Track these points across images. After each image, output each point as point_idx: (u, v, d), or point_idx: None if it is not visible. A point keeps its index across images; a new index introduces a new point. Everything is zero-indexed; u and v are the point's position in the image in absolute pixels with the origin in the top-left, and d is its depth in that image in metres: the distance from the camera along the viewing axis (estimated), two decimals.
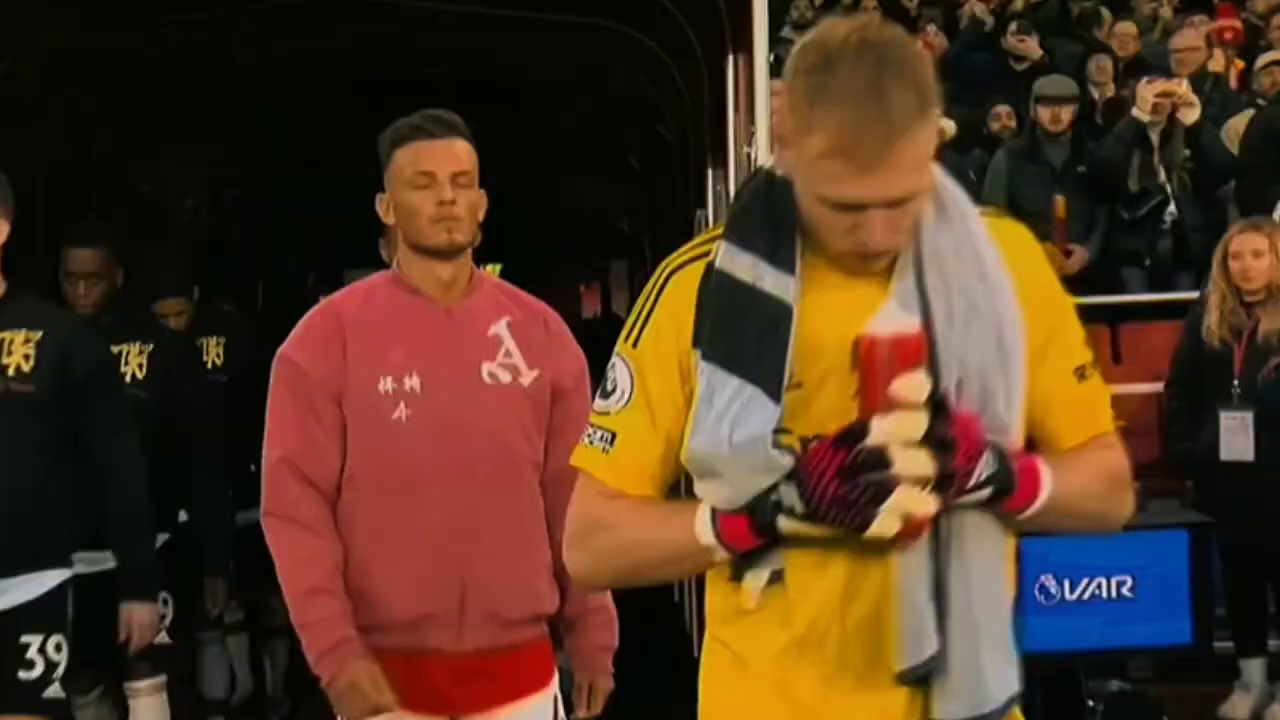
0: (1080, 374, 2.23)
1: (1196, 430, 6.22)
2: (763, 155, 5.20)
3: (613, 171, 11.49)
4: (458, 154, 3.33)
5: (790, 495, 2.05)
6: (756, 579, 2.16)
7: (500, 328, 3.37)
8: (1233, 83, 9.46)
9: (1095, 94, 9.33)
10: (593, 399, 2.31)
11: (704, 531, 2.12)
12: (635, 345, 2.21)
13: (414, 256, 3.36)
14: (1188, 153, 8.04)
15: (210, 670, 6.76)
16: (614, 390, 2.21)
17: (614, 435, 2.20)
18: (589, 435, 2.23)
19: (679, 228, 7.96)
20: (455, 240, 3.31)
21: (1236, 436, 6.07)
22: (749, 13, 5.50)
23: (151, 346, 5.52)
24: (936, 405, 2.01)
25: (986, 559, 2.15)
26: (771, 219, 2.13)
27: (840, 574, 2.15)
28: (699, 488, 2.16)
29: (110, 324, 5.40)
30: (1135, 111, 8.06)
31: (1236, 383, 6.16)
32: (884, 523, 2.00)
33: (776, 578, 2.16)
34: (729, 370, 2.10)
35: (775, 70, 8.66)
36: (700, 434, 2.11)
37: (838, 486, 1.99)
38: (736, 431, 2.08)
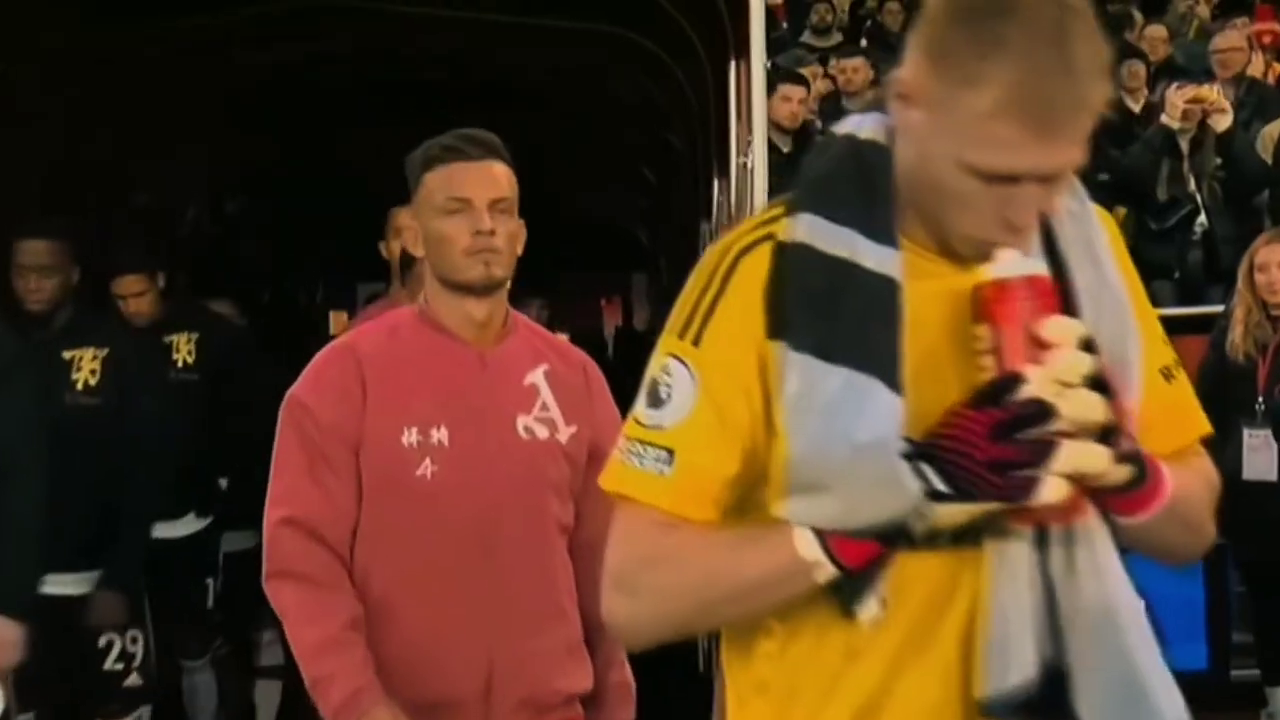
0: (1167, 375, 2.00)
1: (1221, 448, 6.16)
2: (760, 166, 5.18)
3: (627, 181, 11.49)
4: (496, 178, 3.06)
5: (929, 475, 1.75)
6: (868, 609, 1.84)
7: (537, 377, 3.11)
8: (1272, 85, 9.39)
9: (1129, 101, 9.26)
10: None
11: (806, 543, 1.80)
12: (697, 343, 1.87)
13: (444, 292, 3.07)
14: (1219, 161, 7.97)
15: (196, 701, 6.53)
16: (668, 398, 1.87)
17: (672, 453, 1.85)
18: (636, 455, 1.88)
19: (691, 240, 7.95)
20: (493, 275, 3.04)
21: (1259, 455, 5.97)
22: (749, 18, 5.48)
23: (106, 351, 5.23)
24: (1088, 348, 1.76)
25: (1115, 569, 1.85)
26: (865, 189, 1.86)
27: (935, 590, 1.86)
28: (787, 507, 1.83)
29: (64, 326, 5.20)
30: (1164, 118, 7.99)
31: (1260, 399, 6.07)
32: (1054, 486, 1.73)
33: (883, 604, 1.84)
34: (829, 360, 1.80)
35: (784, 77, 8.67)
36: (801, 438, 1.80)
37: (994, 450, 1.72)
38: (858, 429, 1.77)
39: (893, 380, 1.79)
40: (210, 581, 6.30)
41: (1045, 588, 1.83)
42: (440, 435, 2.99)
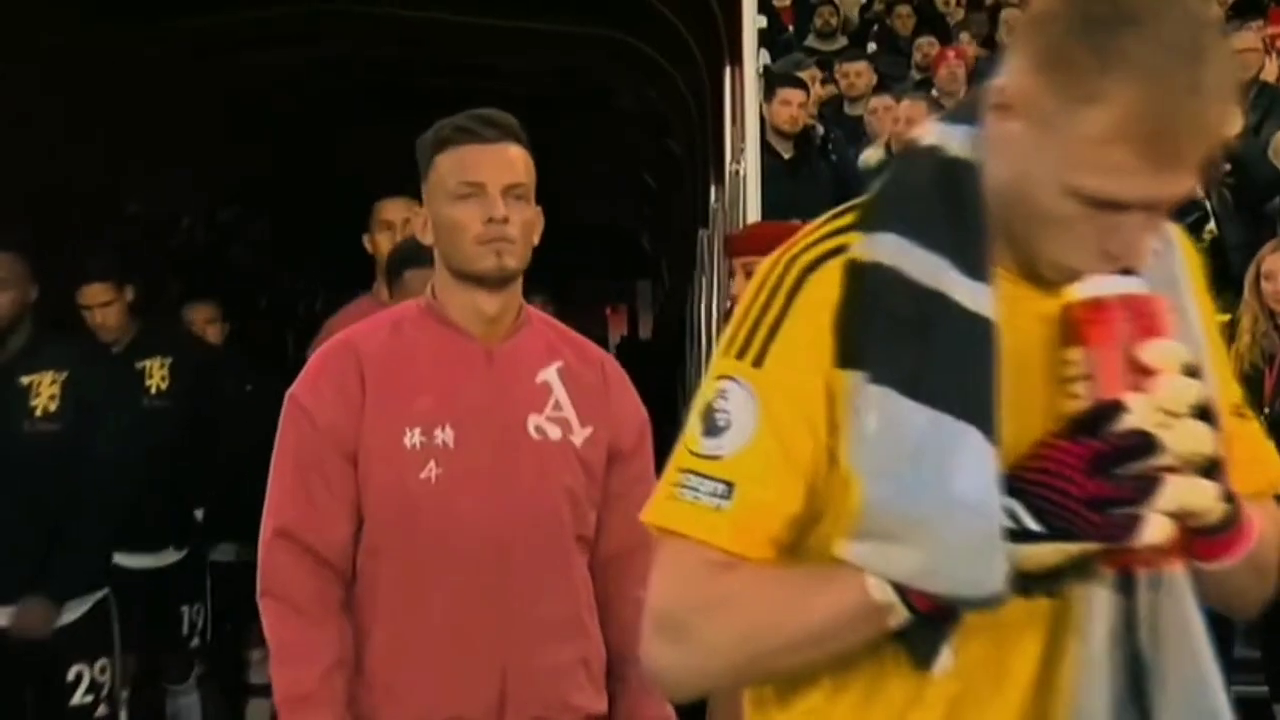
0: (1239, 413, 1.87)
1: None
2: (752, 174, 5.21)
3: (628, 187, 11.52)
4: (512, 161, 2.92)
5: (1020, 513, 1.62)
6: (942, 660, 1.69)
7: (550, 374, 2.99)
8: None
9: None
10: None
11: (878, 584, 1.65)
12: (758, 364, 1.73)
13: (453, 283, 2.96)
14: (1228, 167, 7.99)
15: None
16: (726, 425, 1.72)
17: (731, 486, 1.70)
18: (689, 488, 1.72)
19: (690, 248, 7.98)
20: (506, 265, 2.91)
21: None
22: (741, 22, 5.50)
23: (66, 374, 4.97)
24: (1192, 374, 1.64)
25: (1199, 622, 1.72)
26: (957, 213, 1.71)
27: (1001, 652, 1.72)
28: (853, 550, 1.67)
29: (21, 348, 4.97)
30: None
31: (1267, 409, 6.10)
32: (1157, 525, 1.60)
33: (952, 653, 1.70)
34: (916, 398, 1.65)
35: (783, 81, 8.70)
36: (882, 482, 1.65)
37: (1092, 486, 1.59)
38: (953, 481, 1.62)
39: (989, 429, 1.64)
40: (186, 610, 6.24)
41: (1130, 645, 1.69)
42: (445, 436, 2.88)
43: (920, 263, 1.69)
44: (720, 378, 1.75)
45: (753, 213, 5.45)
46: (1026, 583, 1.65)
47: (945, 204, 1.72)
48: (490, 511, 2.89)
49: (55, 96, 7.73)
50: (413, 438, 2.88)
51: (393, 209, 4.93)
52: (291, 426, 2.94)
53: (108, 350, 6.05)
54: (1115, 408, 1.61)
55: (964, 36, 10.94)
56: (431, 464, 2.88)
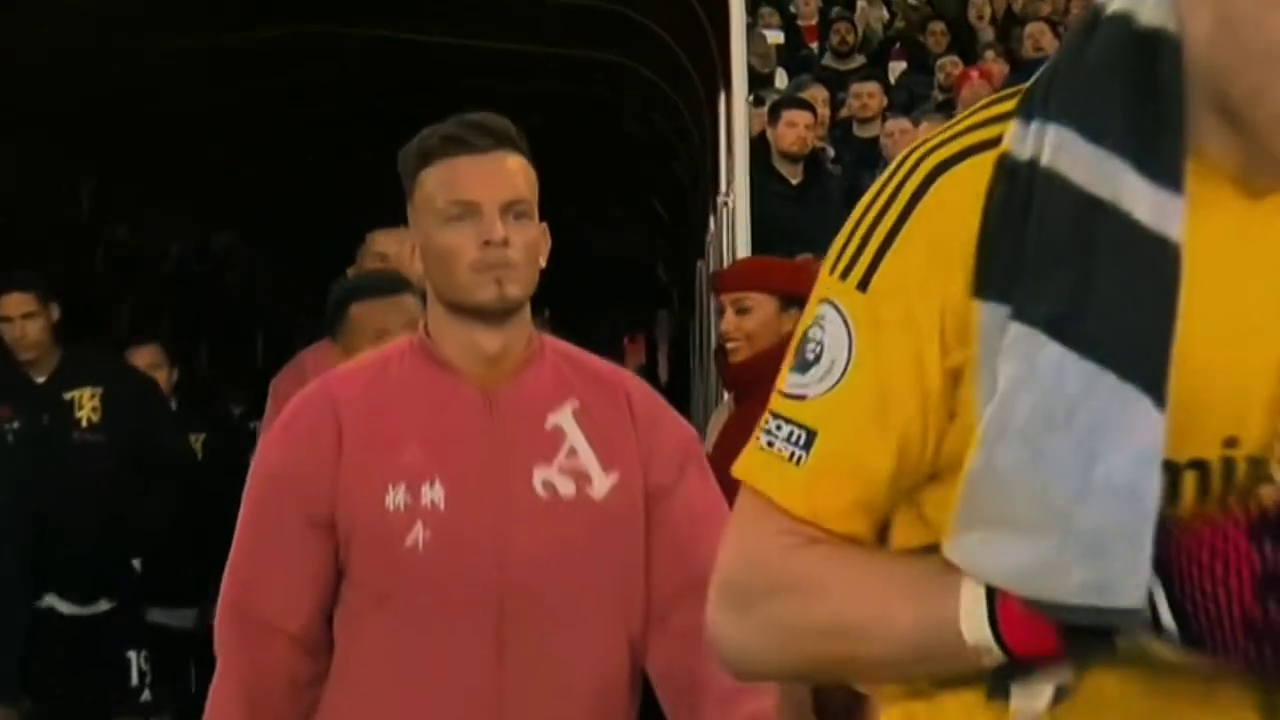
0: None
1: None
2: (741, 206, 5.24)
3: (638, 215, 11.57)
4: (510, 174, 2.65)
5: (1158, 599, 1.35)
6: (1031, 698, 1.42)
7: (563, 417, 2.70)
8: None
9: None
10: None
11: (974, 623, 1.40)
12: (864, 285, 1.46)
13: (448, 317, 2.69)
14: None
15: None
16: (815, 359, 1.47)
17: (813, 434, 1.46)
18: (767, 432, 1.50)
19: (690, 279, 8.03)
20: (507, 294, 2.64)
21: None
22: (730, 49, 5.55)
23: None
24: None
25: None
26: (1145, 94, 1.42)
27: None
28: (963, 542, 1.42)
29: None
30: None
31: None
32: None
33: (1061, 694, 1.42)
34: (1069, 345, 1.37)
35: (790, 103, 8.70)
36: (1010, 449, 1.37)
37: (1254, 608, 1.32)
38: (1100, 457, 1.35)
39: (1158, 389, 1.36)
40: (134, 656, 6.13)
41: None
42: (434, 495, 2.62)
43: (1089, 164, 1.41)
44: (819, 300, 1.49)
45: (742, 247, 5.49)
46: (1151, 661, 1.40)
47: (1130, 88, 1.42)
48: (487, 584, 2.62)
49: (40, 127, 7.82)
50: (396, 497, 2.62)
51: (387, 240, 4.75)
52: (256, 485, 2.73)
53: (30, 380, 5.92)
54: None
55: (989, 55, 10.99)
56: (418, 528, 2.61)
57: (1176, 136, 1.41)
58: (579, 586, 2.66)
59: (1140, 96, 1.42)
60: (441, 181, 2.66)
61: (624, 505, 2.69)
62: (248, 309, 11.28)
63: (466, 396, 2.68)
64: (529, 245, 2.66)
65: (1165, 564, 1.35)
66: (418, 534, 2.61)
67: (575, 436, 2.69)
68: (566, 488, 2.67)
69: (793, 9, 12.78)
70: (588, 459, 2.69)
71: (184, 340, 8.57)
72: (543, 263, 2.72)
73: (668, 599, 2.68)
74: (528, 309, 2.73)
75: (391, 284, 4.04)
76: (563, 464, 2.68)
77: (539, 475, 2.66)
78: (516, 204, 2.65)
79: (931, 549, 1.46)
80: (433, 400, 2.68)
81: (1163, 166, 1.40)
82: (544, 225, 2.72)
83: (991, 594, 1.40)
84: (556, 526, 2.65)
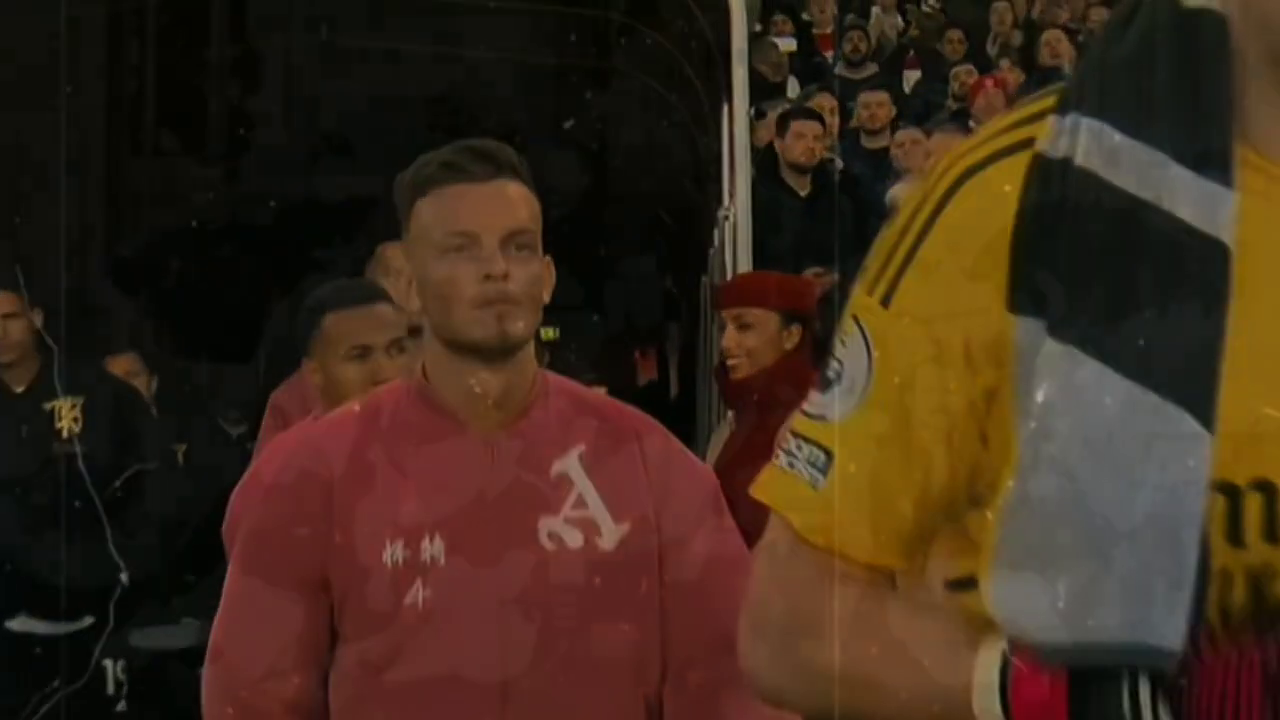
0: None
1: None
2: (743, 219, 5.27)
3: (647, 226, 11.59)
4: (512, 203, 2.56)
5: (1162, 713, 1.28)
6: None
7: (570, 463, 2.60)
8: None
9: None
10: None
11: (984, 690, 1.33)
12: (887, 301, 1.38)
13: (446, 357, 2.58)
14: None
15: None
16: (838, 377, 1.40)
17: (830, 457, 1.39)
18: (788, 452, 1.43)
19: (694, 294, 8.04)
20: (509, 332, 2.52)
21: None
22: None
23: None
24: None
25: None
26: (1189, 79, 1.32)
27: None
28: (999, 589, 1.34)
29: None
30: None
31: None
32: None
33: None
34: (1108, 363, 1.28)
35: (798, 114, 8.73)
36: (1040, 477, 1.30)
37: None
38: (1142, 487, 1.27)
39: (1205, 409, 1.27)
40: (110, 666, 6.04)
41: None
42: (434, 550, 2.53)
43: (1127, 160, 1.31)
44: (850, 316, 1.42)
45: (744, 261, 5.51)
46: None
47: (1170, 71, 1.33)
48: (492, 643, 2.53)
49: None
50: (394, 553, 2.52)
51: (398, 253, 4.35)
52: (242, 545, 2.65)
53: (8, 389, 5.86)
54: None
55: (1004, 63, 11.00)
56: (418, 585, 2.52)
57: (1224, 120, 1.31)
58: (589, 643, 2.57)
59: (1181, 80, 1.32)
60: (438, 211, 2.56)
61: (636, 556, 2.59)
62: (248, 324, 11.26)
63: (467, 444, 2.59)
64: (532, 279, 2.55)
65: (1176, 690, 1.29)
66: (417, 591, 2.53)
67: (583, 484, 2.60)
68: (574, 539, 2.57)
69: (807, 16, 12.78)
70: (596, 508, 2.59)
71: (181, 351, 8.52)
72: (547, 298, 2.61)
73: (686, 655, 2.59)
74: (531, 347, 2.63)
75: (367, 292, 3.87)
76: (569, 514, 2.58)
77: (545, 526, 2.57)
78: (518, 235, 2.55)
79: (971, 583, 1.39)
80: (431, 448, 2.59)
81: (1209, 155, 1.30)
82: (548, 258, 2.62)
83: (1008, 662, 1.32)
84: (564, 578, 2.56)
